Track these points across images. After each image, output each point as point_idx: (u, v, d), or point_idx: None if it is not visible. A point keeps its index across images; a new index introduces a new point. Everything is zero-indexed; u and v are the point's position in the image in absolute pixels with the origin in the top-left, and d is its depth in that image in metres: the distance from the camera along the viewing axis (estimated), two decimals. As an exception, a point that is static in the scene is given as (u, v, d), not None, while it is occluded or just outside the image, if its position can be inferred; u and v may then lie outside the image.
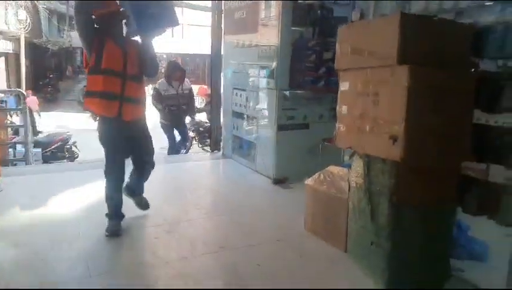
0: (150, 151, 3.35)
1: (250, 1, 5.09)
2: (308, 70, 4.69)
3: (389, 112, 2.37)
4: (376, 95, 2.48)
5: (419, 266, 2.52)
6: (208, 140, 7.44)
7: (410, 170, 2.37)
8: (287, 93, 4.62)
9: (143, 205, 3.55)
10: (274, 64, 4.63)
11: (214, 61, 6.17)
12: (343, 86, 2.77)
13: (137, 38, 3.13)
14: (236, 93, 5.47)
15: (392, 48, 2.29)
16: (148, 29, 2.93)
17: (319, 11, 4.81)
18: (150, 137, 3.34)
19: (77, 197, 4.01)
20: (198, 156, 7.52)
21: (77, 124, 13.87)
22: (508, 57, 2.47)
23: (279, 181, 4.66)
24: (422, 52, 2.31)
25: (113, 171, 3.12)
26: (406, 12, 2.69)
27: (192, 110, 7.23)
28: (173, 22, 3.04)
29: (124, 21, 3.05)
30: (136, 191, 3.49)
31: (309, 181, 3.31)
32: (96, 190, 3.65)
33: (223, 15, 5.87)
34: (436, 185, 2.48)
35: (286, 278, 2.70)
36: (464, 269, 2.68)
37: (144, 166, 3.36)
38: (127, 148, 3.18)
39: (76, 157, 9.43)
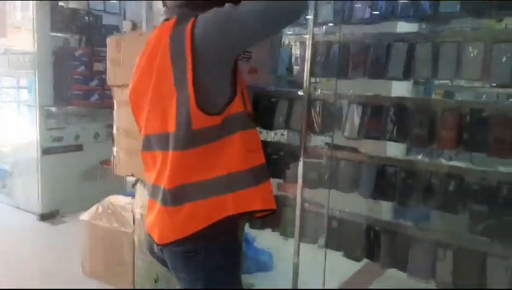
0: None
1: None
2: (76, 83, 4.18)
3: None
4: (156, 114, 2.23)
5: None
6: None
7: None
8: (52, 109, 4.04)
9: None
10: (31, 75, 3.89)
11: None
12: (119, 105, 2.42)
13: None
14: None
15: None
16: None
17: (86, 18, 4.31)
18: None
19: None
20: None
21: None
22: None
23: (47, 216, 3.99)
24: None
25: None
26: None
27: None
28: None
29: None
30: None
31: (85, 216, 2.80)
32: None
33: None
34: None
35: None
36: (254, 282, 2.72)
37: None
38: None
39: None
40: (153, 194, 1.30)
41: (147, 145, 1.31)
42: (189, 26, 1.12)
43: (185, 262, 1.23)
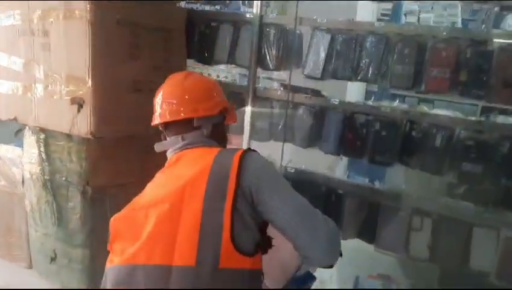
0: None
1: None
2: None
3: (68, 62, 1.54)
4: (46, 34, 1.58)
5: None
6: None
7: (107, 146, 1.65)
8: None
9: None
10: None
11: None
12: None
13: None
14: None
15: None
16: None
17: None
18: None
19: None
20: None
21: None
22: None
23: None
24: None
25: None
26: None
27: None
28: None
29: None
30: None
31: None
32: None
33: None
34: (143, 161, 1.83)
35: None
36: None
37: None
38: None
39: None
40: None
41: (126, 279, 0.98)
42: (236, 156, 1.01)
43: None
